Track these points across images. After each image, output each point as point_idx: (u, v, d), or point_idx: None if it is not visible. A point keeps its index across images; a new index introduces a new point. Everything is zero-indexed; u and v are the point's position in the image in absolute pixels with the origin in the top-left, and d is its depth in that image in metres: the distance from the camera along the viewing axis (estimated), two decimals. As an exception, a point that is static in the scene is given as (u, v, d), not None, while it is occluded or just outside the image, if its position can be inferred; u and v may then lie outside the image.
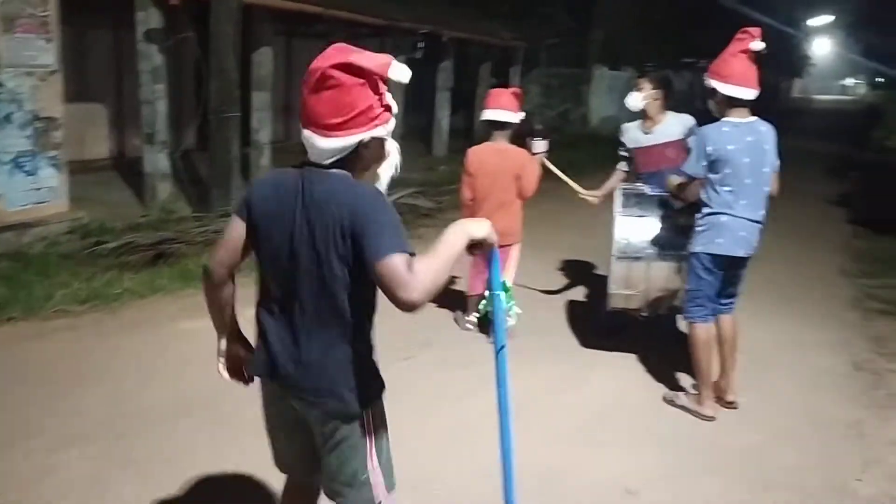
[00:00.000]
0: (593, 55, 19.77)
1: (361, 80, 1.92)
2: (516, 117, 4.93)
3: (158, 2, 7.64)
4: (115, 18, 9.76)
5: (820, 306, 6.35)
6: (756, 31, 3.90)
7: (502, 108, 4.89)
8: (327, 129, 1.93)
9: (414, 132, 15.09)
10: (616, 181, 5.21)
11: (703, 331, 4.09)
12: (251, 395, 3.95)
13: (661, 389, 4.48)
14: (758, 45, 3.85)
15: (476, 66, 16.06)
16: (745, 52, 3.88)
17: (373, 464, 2.15)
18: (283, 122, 13.73)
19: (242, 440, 3.60)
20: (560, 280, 6.59)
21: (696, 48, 30.51)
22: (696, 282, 4.06)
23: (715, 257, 3.96)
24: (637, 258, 4.48)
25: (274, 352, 2.10)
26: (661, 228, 4.52)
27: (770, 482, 3.55)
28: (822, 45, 45.81)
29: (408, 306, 1.81)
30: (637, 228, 4.51)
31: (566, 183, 5.37)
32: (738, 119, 3.90)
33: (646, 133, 4.97)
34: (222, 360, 2.33)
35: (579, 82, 18.94)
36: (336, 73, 1.91)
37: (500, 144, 4.95)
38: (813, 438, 4.02)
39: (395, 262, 1.83)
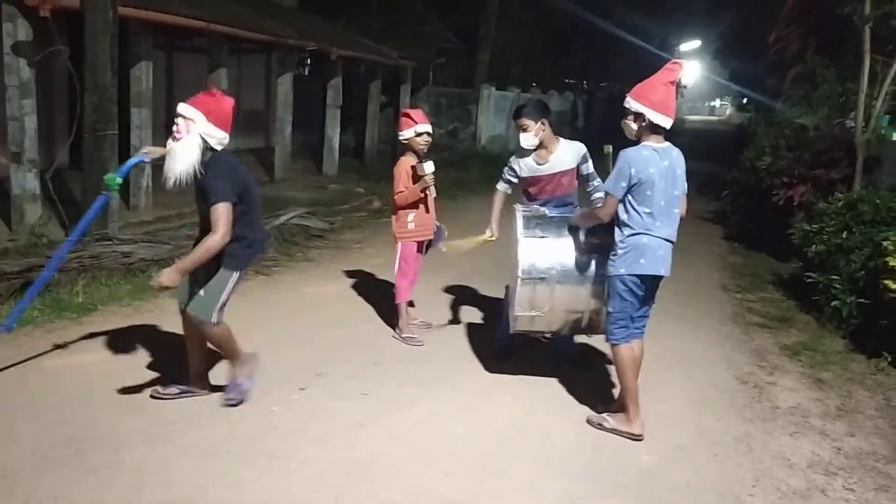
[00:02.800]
0: (480, 75, 20.10)
1: None
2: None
3: (27, 13, 7.17)
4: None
5: (702, 321, 6.59)
6: (681, 63, 4.20)
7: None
8: None
9: (303, 150, 14.85)
10: (500, 204, 5.26)
11: (628, 351, 4.17)
12: (130, 440, 3.75)
13: (561, 412, 4.51)
14: (685, 77, 4.05)
15: (365, 84, 15.99)
16: (673, 82, 4.06)
17: None
18: (164, 140, 13.15)
19: (121, 490, 3.35)
20: (455, 306, 6.56)
21: (577, 69, 31.74)
22: (620, 303, 4.13)
23: (640, 277, 4.06)
24: (542, 279, 4.48)
25: None
26: (564, 249, 4.55)
27: (668, 502, 3.61)
28: (692, 68, 48.44)
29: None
30: (540, 250, 4.52)
31: (472, 245, 5.35)
32: (657, 144, 4.04)
33: (540, 164, 5.02)
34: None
35: (467, 101, 19.20)
36: None
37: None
38: (704, 454, 4.12)
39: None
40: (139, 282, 6.42)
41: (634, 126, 4.08)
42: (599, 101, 31.64)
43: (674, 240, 4.10)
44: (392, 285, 5.69)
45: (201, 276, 4.03)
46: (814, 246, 7.19)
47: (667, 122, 4.01)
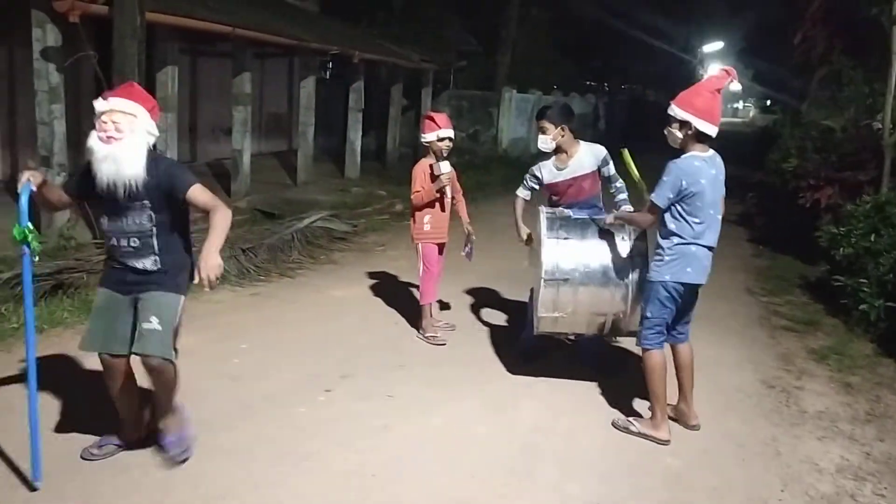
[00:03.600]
0: (501, 78, 20.08)
1: None
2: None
3: (56, 19, 7.27)
4: (8, 35, 9.26)
5: (728, 325, 6.54)
6: (733, 71, 4.13)
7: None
8: None
9: (326, 154, 14.93)
10: (521, 210, 5.23)
11: (660, 357, 4.18)
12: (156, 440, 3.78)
13: (586, 415, 4.50)
14: (736, 84, 4.02)
15: (387, 87, 16.04)
16: (720, 90, 4.02)
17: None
18: (189, 143, 13.33)
19: (149, 490, 3.39)
20: (478, 308, 6.57)
21: (599, 72, 31.63)
22: (660, 310, 4.13)
23: (683, 285, 4.08)
24: (565, 280, 4.49)
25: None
26: (588, 251, 4.55)
27: (695, 506, 3.59)
28: (715, 70, 47.99)
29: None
30: (564, 251, 4.53)
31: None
32: (703, 153, 4.03)
33: (560, 168, 5.02)
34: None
35: (489, 104, 19.19)
36: None
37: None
38: (731, 459, 4.09)
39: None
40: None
41: (679, 134, 4.03)
42: (621, 104, 31.52)
43: (715, 247, 4.13)
44: (415, 287, 5.72)
45: (129, 313, 3.43)
46: (841, 249, 7.11)
47: (713, 131, 3.97)
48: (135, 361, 3.49)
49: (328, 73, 16.96)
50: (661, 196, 4.00)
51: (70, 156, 7.96)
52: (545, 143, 4.97)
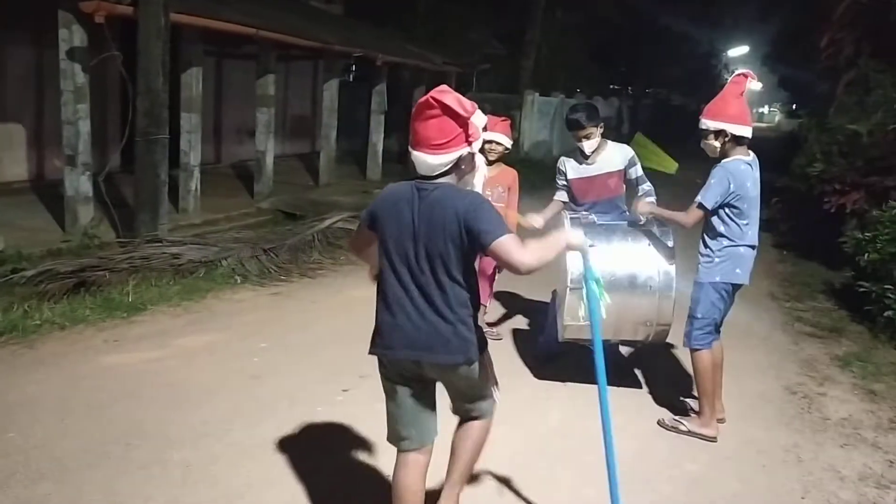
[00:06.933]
0: (524, 81, 20.04)
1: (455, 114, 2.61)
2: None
3: (82, 20, 7.35)
4: (36, 36, 9.39)
5: (750, 330, 6.46)
6: (751, 73, 4.23)
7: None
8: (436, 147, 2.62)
9: (348, 156, 14.98)
10: (553, 210, 5.17)
11: (709, 356, 4.25)
12: (177, 437, 3.81)
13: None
14: (756, 84, 4.06)
15: (410, 90, 16.06)
16: (743, 93, 4.12)
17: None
18: (213, 145, 13.43)
19: (168, 486, 3.41)
20: (498, 308, 6.55)
21: (622, 75, 31.47)
22: (710, 310, 4.20)
23: (733, 286, 4.19)
24: None
25: (390, 327, 2.72)
26: (613, 257, 4.51)
27: (714, 512, 3.55)
28: (733, 75, 47.57)
29: (525, 268, 2.54)
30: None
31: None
32: (746, 157, 4.10)
33: (588, 164, 4.98)
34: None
35: (511, 107, 19.14)
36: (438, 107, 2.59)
37: None
38: (753, 465, 4.05)
39: (507, 241, 2.53)
40: (188, 282, 6.54)
41: (717, 143, 4.11)
42: (644, 107, 31.33)
43: (758, 245, 4.23)
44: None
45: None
46: (867, 254, 7.02)
47: (748, 132, 4.07)
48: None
49: (351, 75, 17.01)
50: (709, 198, 4.04)
51: (95, 154, 8.06)
52: (592, 146, 4.90)
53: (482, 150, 5.26)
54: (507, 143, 5.53)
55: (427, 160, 2.64)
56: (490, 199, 5.18)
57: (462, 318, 2.69)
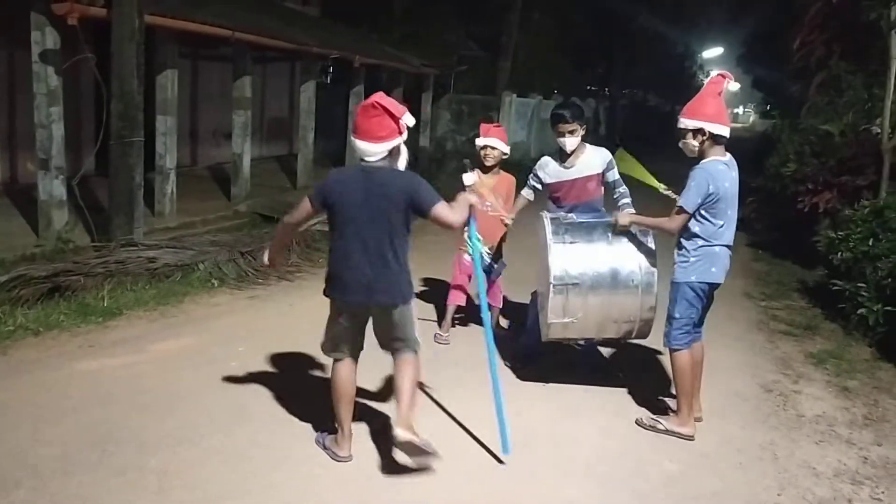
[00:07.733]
0: (502, 82, 20.09)
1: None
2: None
3: (55, 22, 7.26)
4: (7, 38, 9.25)
5: (726, 329, 6.50)
6: (729, 74, 4.30)
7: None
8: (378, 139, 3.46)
9: (326, 157, 14.92)
10: (520, 206, 5.33)
11: (688, 356, 4.28)
12: (154, 443, 3.78)
13: (586, 419, 4.49)
14: (734, 84, 4.09)
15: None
16: (721, 93, 4.16)
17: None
18: (189, 147, 13.32)
19: (144, 493, 3.38)
20: (479, 309, 6.54)
21: (599, 77, 31.67)
22: (687, 309, 4.23)
23: (709, 285, 4.21)
24: (574, 285, 4.47)
25: (348, 278, 3.56)
26: (595, 255, 4.54)
27: (692, 510, 3.58)
28: (711, 75, 48.04)
29: (457, 225, 3.60)
30: (571, 256, 4.51)
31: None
32: (723, 157, 4.13)
33: (567, 167, 5.01)
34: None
35: (489, 109, 19.18)
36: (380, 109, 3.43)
37: None
38: (729, 463, 4.08)
39: (441, 207, 3.48)
40: (164, 287, 6.48)
41: (695, 142, 4.13)
42: (622, 108, 31.53)
43: (733, 245, 4.27)
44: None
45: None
46: (840, 253, 7.11)
47: (726, 131, 4.09)
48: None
49: (329, 77, 16.95)
50: (689, 201, 4.07)
51: (68, 158, 7.96)
52: (573, 143, 4.93)
53: (479, 156, 5.38)
54: (504, 147, 5.58)
55: (370, 148, 3.46)
56: (491, 207, 5.28)
57: (405, 268, 3.59)
